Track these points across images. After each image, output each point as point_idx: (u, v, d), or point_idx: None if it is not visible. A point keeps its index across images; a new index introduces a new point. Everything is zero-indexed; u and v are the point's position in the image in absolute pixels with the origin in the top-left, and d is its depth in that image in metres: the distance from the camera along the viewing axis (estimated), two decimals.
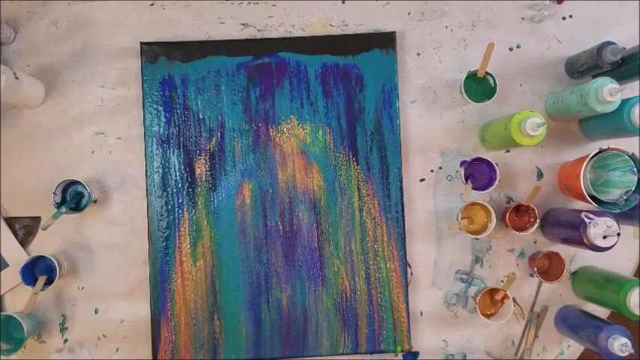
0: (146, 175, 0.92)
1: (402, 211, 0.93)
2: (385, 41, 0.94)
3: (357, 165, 0.93)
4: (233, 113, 0.93)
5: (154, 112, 0.92)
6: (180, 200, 0.92)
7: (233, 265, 0.92)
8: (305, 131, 0.93)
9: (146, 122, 0.92)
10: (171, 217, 0.92)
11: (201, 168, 0.92)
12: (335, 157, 0.93)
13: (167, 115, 0.93)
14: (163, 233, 0.92)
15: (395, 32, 0.94)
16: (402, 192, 0.93)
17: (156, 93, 0.93)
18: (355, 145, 0.93)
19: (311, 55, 0.94)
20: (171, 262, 0.92)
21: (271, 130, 0.93)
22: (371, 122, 0.93)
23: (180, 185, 0.92)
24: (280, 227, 0.93)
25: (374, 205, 0.93)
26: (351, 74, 0.94)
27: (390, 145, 0.93)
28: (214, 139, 0.93)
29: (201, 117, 0.93)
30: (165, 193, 0.92)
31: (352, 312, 0.92)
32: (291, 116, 0.93)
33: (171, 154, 0.92)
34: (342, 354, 0.92)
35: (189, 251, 0.92)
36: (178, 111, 0.93)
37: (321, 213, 0.93)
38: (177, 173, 0.92)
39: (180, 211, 0.92)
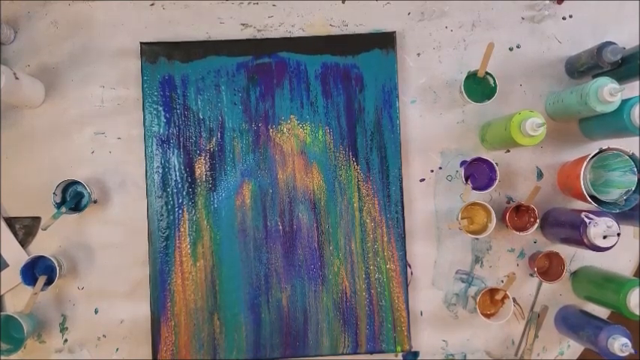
0: (146, 175, 0.92)
1: (402, 211, 0.93)
2: (385, 41, 0.94)
3: (357, 165, 0.93)
4: (233, 113, 0.93)
5: (154, 112, 0.92)
6: (180, 200, 0.92)
7: (233, 265, 0.92)
8: (305, 131, 0.93)
9: (146, 122, 0.92)
10: (171, 217, 0.92)
11: (201, 168, 0.92)
12: (335, 157, 0.93)
13: (167, 115, 0.93)
14: (163, 233, 0.92)
15: (395, 32, 0.94)
16: (402, 192, 0.93)
17: (156, 93, 0.93)
18: (355, 145, 0.93)
19: (311, 55, 0.94)
20: (171, 262, 0.92)
21: (271, 130, 0.93)
22: (371, 122, 0.93)
23: (180, 185, 0.92)
24: (280, 227, 0.93)
25: (374, 205, 0.93)
26: (351, 74, 0.94)
27: (390, 145, 0.93)
28: (214, 139, 0.93)
29: (201, 117, 0.93)
30: (165, 193, 0.92)
31: (352, 312, 0.92)
32: (291, 116, 0.93)
33: (171, 154, 0.92)
34: (342, 354, 0.92)
35: (189, 251, 0.92)
36: (178, 111, 0.93)
37: (321, 213, 0.93)
38: (177, 173, 0.92)
39: (180, 211, 0.92)
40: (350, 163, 0.93)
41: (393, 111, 0.93)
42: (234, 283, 0.92)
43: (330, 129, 0.93)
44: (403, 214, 0.93)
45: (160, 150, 0.92)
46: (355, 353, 0.92)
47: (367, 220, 0.93)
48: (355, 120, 0.93)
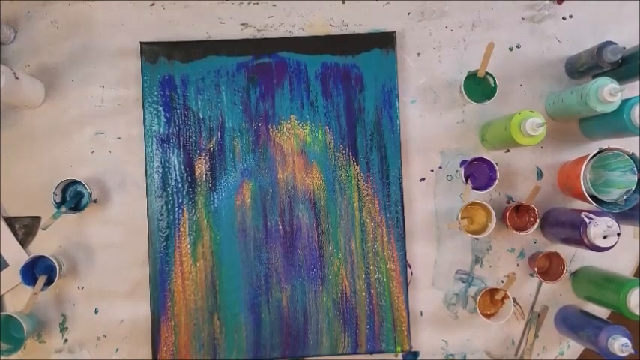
0: (146, 175, 0.92)
1: (402, 211, 0.93)
2: (385, 41, 0.94)
3: (357, 165, 0.93)
4: (233, 113, 0.93)
5: (154, 111, 0.92)
6: (180, 200, 0.92)
7: (233, 265, 0.92)
8: (305, 131, 0.93)
9: (146, 122, 0.92)
10: (171, 217, 0.92)
11: (201, 168, 0.92)
12: (335, 157, 0.93)
13: (167, 115, 0.93)
14: (163, 233, 0.92)
15: (395, 32, 0.94)
16: (402, 192, 0.93)
17: (156, 93, 0.93)
18: (355, 145, 0.93)
19: (311, 55, 0.94)
20: (171, 262, 0.92)
21: (271, 129, 0.93)
22: (371, 122, 0.93)
23: (180, 185, 0.92)
24: (280, 227, 0.93)
25: (374, 205, 0.93)
26: (351, 74, 0.94)
27: (390, 145, 0.93)
28: (214, 139, 0.93)
29: (201, 117, 0.93)
30: (165, 193, 0.92)
31: (352, 312, 0.92)
32: (291, 116, 0.93)
33: (171, 154, 0.92)
34: (342, 354, 0.92)
35: (189, 251, 0.92)
36: (178, 111, 0.93)
37: (321, 213, 0.93)
38: (177, 173, 0.92)
39: (180, 211, 0.92)
40: (350, 163, 0.93)
41: (393, 111, 0.93)
42: (234, 283, 0.92)
43: (330, 129, 0.93)
44: (403, 214, 0.93)
45: (160, 150, 0.92)
46: (355, 353, 0.92)
47: (367, 220, 0.93)
48: (355, 120, 0.93)
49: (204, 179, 0.92)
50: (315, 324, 0.92)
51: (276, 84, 0.93)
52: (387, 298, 0.92)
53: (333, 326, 0.92)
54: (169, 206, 0.92)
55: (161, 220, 0.92)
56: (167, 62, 0.93)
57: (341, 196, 0.93)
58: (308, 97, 0.93)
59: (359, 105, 0.93)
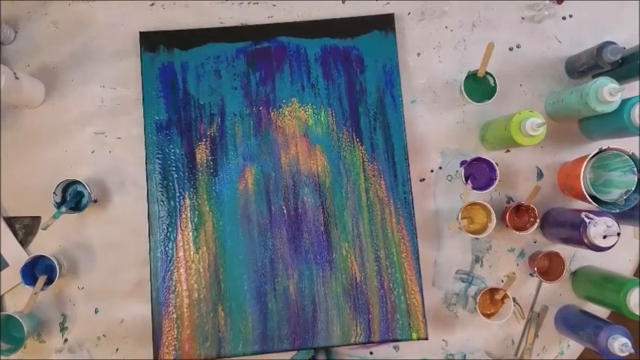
0: (146, 162, 0.91)
1: (410, 190, 0.92)
2: (384, 23, 0.94)
3: (362, 145, 0.92)
4: (233, 98, 0.93)
5: (154, 98, 0.92)
6: (182, 187, 0.91)
7: (237, 252, 0.90)
8: (307, 113, 0.93)
9: (146, 109, 0.92)
10: (172, 205, 0.91)
11: (202, 153, 0.92)
12: (338, 138, 0.92)
13: (167, 101, 0.92)
14: (164, 221, 0.91)
15: (393, 14, 0.94)
16: (408, 170, 0.92)
17: (155, 80, 0.92)
18: (358, 126, 0.92)
19: (310, 39, 0.93)
20: (172, 251, 0.90)
21: (272, 113, 0.93)
22: (373, 102, 0.93)
23: (181, 172, 0.91)
24: (285, 211, 0.91)
25: (380, 185, 0.92)
26: (351, 56, 0.93)
27: (394, 124, 0.92)
28: (215, 125, 0.92)
29: (201, 103, 0.92)
30: (165, 181, 0.91)
31: (363, 298, 0.90)
32: (293, 99, 0.93)
33: (172, 141, 0.92)
34: (355, 343, 0.89)
35: (191, 239, 0.91)
36: (178, 97, 0.92)
37: (326, 195, 0.91)
38: (178, 159, 0.92)
39: (181, 198, 0.91)
40: (354, 144, 0.92)
41: (395, 90, 0.93)
42: (239, 271, 0.90)
43: (333, 110, 0.93)
44: (411, 193, 0.92)
45: (161, 136, 0.92)
46: (368, 342, 0.89)
47: (374, 201, 0.91)
48: (357, 101, 0.93)
49: (205, 165, 0.92)
50: (324, 312, 0.90)
51: (276, 68, 0.93)
52: (399, 282, 0.90)
53: (343, 314, 0.90)
54: (170, 193, 0.91)
55: (162, 208, 0.91)
56: (166, 50, 0.93)
57: (346, 178, 0.92)
58: (309, 79, 0.93)
59: (360, 86, 0.93)
